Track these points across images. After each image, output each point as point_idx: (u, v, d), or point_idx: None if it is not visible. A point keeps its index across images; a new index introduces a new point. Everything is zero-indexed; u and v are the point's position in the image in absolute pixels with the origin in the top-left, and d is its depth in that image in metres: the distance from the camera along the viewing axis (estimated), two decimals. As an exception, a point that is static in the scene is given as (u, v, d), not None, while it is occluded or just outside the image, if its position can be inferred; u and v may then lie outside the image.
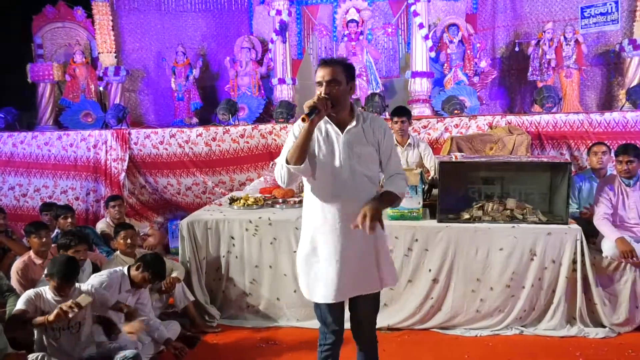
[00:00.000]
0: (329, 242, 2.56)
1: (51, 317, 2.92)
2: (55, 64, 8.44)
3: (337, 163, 2.52)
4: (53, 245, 4.17)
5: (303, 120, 2.38)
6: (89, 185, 6.90)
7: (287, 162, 2.46)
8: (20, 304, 3.05)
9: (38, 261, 4.05)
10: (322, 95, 2.45)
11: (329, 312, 2.64)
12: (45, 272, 3.18)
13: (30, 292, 3.12)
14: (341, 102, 2.53)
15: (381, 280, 2.65)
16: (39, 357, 2.90)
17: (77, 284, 3.24)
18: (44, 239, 4.08)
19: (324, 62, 2.53)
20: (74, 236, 3.91)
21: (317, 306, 2.67)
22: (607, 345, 3.73)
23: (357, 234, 2.46)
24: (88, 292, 3.16)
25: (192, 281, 4.25)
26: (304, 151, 2.43)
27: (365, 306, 2.71)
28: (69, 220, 5.12)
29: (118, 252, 4.28)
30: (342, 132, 2.53)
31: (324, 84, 2.48)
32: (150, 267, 3.55)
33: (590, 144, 4.98)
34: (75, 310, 2.93)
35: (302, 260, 2.67)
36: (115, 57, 8.64)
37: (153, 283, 3.68)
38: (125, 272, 3.60)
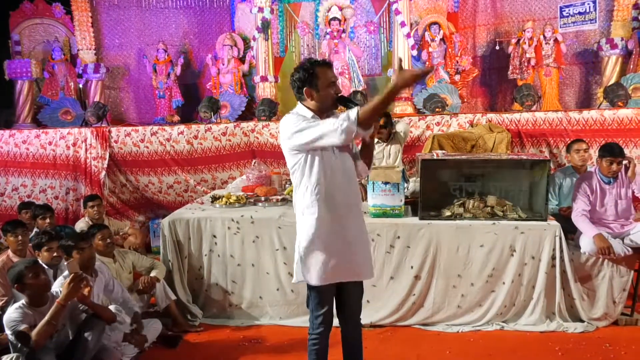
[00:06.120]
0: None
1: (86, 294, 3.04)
2: (33, 61, 8.30)
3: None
4: (31, 244, 4.11)
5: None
6: (69, 184, 6.81)
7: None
8: (19, 324, 2.97)
9: (16, 260, 3.98)
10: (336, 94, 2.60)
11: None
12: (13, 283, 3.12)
13: (16, 312, 3.02)
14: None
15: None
16: (14, 358, 2.86)
17: (52, 290, 3.20)
18: (19, 237, 4.03)
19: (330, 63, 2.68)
20: (45, 234, 3.85)
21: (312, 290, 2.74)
22: (585, 340, 3.78)
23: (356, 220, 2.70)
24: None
25: (174, 280, 4.22)
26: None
27: (356, 293, 2.82)
28: (47, 220, 5.02)
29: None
30: None
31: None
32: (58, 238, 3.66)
33: (570, 141, 4.97)
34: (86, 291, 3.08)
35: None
36: (95, 54, 8.55)
37: (79, 246, 3.56)
38: (64, 262, 3.60)
